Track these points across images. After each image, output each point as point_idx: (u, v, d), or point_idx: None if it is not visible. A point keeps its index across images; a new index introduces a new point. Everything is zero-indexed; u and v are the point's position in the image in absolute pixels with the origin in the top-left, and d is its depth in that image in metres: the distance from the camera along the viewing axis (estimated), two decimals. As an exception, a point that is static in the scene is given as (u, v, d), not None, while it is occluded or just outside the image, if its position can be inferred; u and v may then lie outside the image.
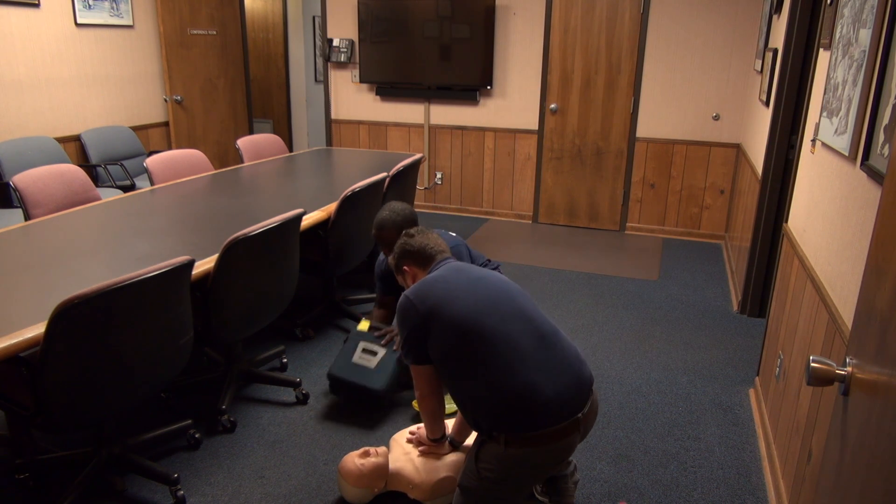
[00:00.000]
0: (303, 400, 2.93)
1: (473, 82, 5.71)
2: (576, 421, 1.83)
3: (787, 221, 2.87)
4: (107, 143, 5.00)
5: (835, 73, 2.26)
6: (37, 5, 4.47)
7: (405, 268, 2.21)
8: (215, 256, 2.40)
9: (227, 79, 6.19)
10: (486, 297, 1.92)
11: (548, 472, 2.04)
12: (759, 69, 4.43)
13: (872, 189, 1.71)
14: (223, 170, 4.14)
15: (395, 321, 2.44)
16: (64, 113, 4.79)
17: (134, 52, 5.34)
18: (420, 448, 2.30)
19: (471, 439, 2.33)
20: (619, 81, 5.42)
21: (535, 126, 5.73)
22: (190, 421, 2.62)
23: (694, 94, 5.28)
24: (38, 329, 1.83)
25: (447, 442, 2.29)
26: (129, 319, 1.96)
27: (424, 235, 2.21)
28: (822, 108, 2.39)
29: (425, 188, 6.22)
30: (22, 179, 3.09)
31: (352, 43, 6.04)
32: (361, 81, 6.03)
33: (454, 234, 3.03)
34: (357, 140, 6.32)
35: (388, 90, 6.03)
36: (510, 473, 1.87)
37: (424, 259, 2.18)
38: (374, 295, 3.91)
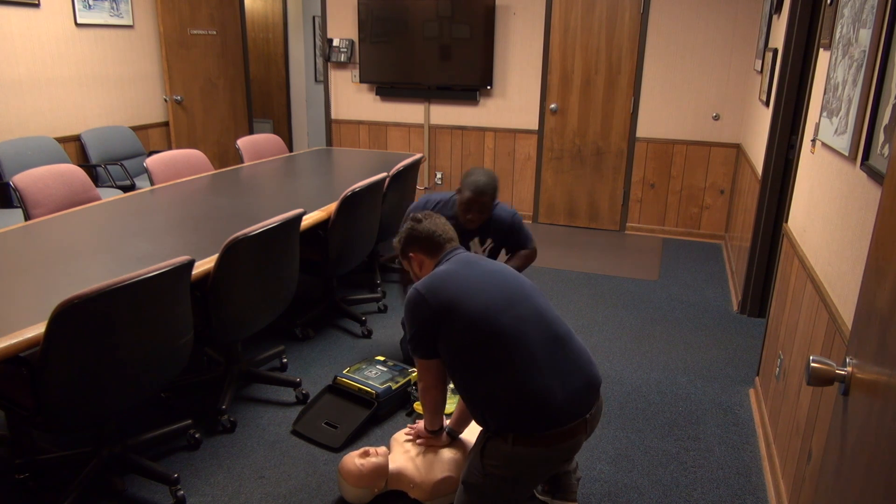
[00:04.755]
0: (303, 400, 2.92)
1: (473, 82, 5.71)
2: (583, 421, 1.84)
3: (787, 221, 2.87)
4: (107, 143, 5.00)
5: (835, 73, 2.26)
6: (37, 5, 4.47)
7: (411, 254, 2.16)
8: (215, 256, 2.40)
9: (227, 79, 6.19)
10: (501, 294, 1.89)
11: (554, 470, 2.04)
12: (759, 69, 4.43)
13: (872, 189, 1.71)
14: (223, 170, 4.14)
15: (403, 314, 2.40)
16: (64, 113, 4.79)
17: (134, 52, 5.34)
18: (418, 441, 2.29)
19: (469, 430, 2.33)
20: (619, 81, 5.42)
21: (535, 126, 5.73)
22: (190, 421, 2.61)
23: (694, 94, 5.28)
24: (38, 329, 1.83)
25: (445, 433, 2.28)
26: (129, 319, 1.96)
27: (432, 221, 2.15)
28: (822, 108, 2.39)
29: (425, 188, 6.21)
30: (22, 179, 3.09)
31: (352, 43, 6.04)
32: (361, 81, 6.03)
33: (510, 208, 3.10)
34: (357, 140, 6.32)
35: (388, 90, 6.03)
36: (517, 471, 1.86)
37: (433, 246, 2.11)
38: (374, 295, 3.92)
